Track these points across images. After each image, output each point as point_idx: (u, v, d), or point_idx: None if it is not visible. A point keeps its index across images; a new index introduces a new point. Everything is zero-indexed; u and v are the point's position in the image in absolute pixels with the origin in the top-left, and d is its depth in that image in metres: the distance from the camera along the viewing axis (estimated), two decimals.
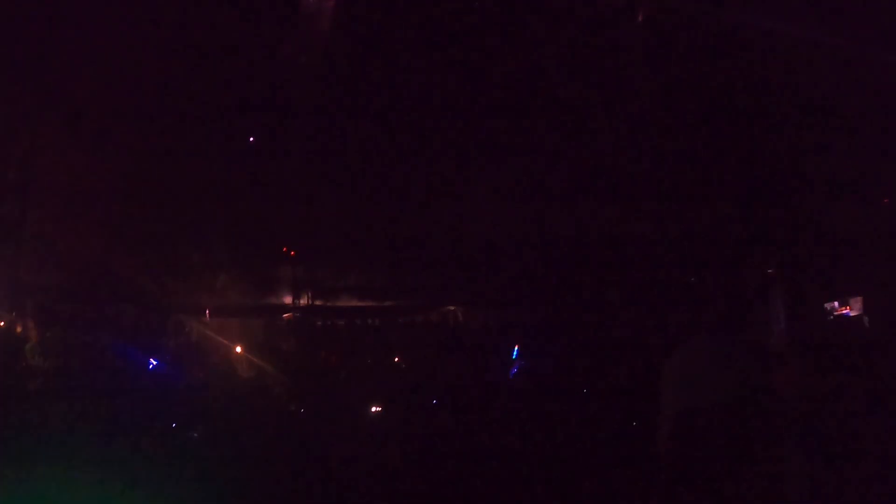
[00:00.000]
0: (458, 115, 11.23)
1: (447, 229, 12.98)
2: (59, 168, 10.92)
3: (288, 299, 14.47)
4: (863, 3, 7.91)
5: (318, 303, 14.49)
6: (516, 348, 13.97)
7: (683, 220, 11.48)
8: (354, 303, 15.24)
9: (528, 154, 11.61)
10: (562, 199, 12.02)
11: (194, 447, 9.59)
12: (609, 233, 12.27)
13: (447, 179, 12.34)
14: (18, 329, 11.61)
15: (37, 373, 10.87)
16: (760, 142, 10.33)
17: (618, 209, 11.85)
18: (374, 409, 11.55)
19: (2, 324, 11.69)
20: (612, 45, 9.70)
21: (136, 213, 11.66)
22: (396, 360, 14.93)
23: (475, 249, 13.26)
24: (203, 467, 8.32)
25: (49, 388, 10.27)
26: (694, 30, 9.17)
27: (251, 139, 11.68)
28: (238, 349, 14.01)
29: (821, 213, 10.59)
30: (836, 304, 11.04)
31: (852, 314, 10.69)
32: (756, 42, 8.97)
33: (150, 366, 12.29)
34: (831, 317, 10.92)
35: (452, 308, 15.74)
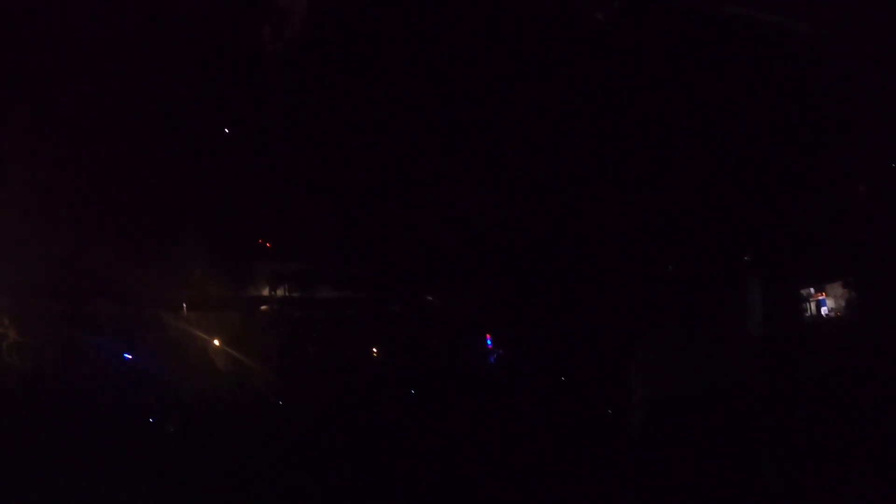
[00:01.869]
0: (437, 104, 11.19)
1: (425, 220, 12.95)
2: (32, 160, 10.78)
3: (265, 291, 14.38)
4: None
5: (294, 294, 14.41)
6: (490, 339, 14.01)
7: (657, 208, 11.50)
8: (331, 294, 15.18)
9: (506, 144, 11.59)
10: (538, 189, 12.01)
11: (171, 442, 9.54)
12: (583, 222, 12.28)
13: (425, 169, 12.30)
14: None
15: (12, 370, 10.77)
16: (736, 128, 10.34)
17: (592, 198, 11.85)
18: (352, 400, 11.52)
19: None
20: (589, 38, 9.68)
21: (110, 207, 11.53)
22: (374, 351, 14.91)
23: (452, 240, 13.25)
24: (180, 462, 8.28)
25: (25, 384, 10.18)
26: (671, 23, 9.17)
27: (226, 130, 11.58)
28: (216, 342, 13.92)
29: (797, 200, 10.63)
30: (811, 290, 11.09)
31: (829, 301, 10.76)
32: (736, 33, 8.99)
33: (127, 360, 12.19)
34: (807, 303, 10.98)
35: (430, 299, 15.72)
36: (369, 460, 8.56)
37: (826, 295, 10.90)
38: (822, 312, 10.87)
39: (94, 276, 12.65)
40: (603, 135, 10.93)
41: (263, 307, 14.59)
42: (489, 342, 13.89)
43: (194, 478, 7.87)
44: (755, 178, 10.73)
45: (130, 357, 12.22)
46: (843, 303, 10.59)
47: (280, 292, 14.13)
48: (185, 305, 14.32)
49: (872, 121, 9.10)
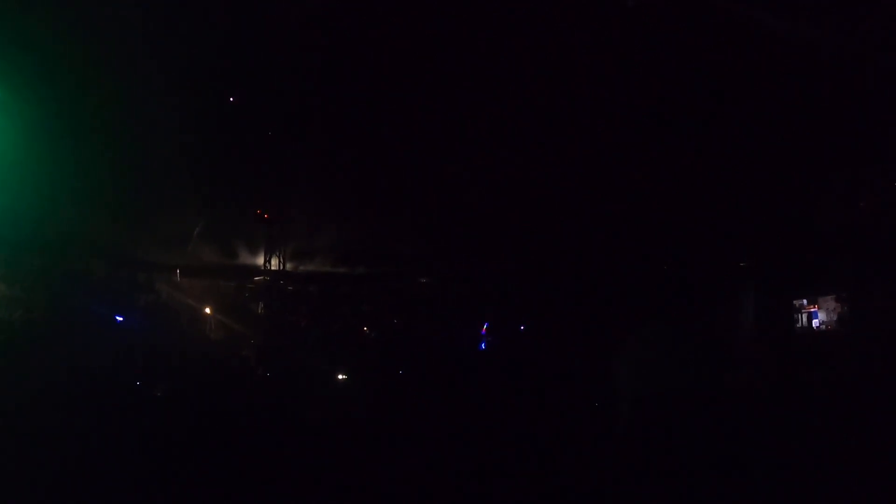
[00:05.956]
0: (439, 80, 11.10)
1: (422, 203, 12.97)
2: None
3: (259, 261, 14.40)
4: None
5: (289, 266, 14.43)
6: (485, 324, 14.07)
7: (658, 212, 11.52)
8: (326, 269, 15.21)
9: (508, 136, 11.56)
10: (538, 183, 12.02)
11: (156, 405, 9.53)
12: (582, 220, 12.32)
13: (425, 151, 12.25)
14: None
15: (5, 326, 10.76)
16: (737, 135, 10.32)
17: (591, 197, 11.87)
18: (339, 376, 11.53)
19: None
20: (592, 36, 9.62)
21: (111, 170, 11.46)
22: (365, 329, 14.96)
23: (449, 225, 13.29)
24: (163, 426, 8.27)
25: (18, 340, 10.16)
26: (674, 24, 9.11)
27: (231, 99, 11.50)
28: (207, 310, 13.94)
29: (797, 212, 10.65)
30: (804, 301, 11.13)
31: (820, 313, 10.79)
32: (740, 38, 8.94)
33: (118, 322, 12.18)
34: (799, 314, 11.02)
35: (424, 280, 15.76)
36: (353, 434, 8.57)
37: (818, 308, 10.93)
38: (814, 325, 10.91)
39: (92, 237, 12.62)
40: (606, 136, 10.91)
41: (257, 277, 14.62)
42: (483, 330, 13.97)
43: (174, 440, 7.86)
44: (759, 193, 10.73)
45: (121, 318, 12.22)
46: (834, 317, 10.62)
47: (275, 264, 14.15)
48: (178, 271, 14.33)
49: (875, 138, 9.10)
